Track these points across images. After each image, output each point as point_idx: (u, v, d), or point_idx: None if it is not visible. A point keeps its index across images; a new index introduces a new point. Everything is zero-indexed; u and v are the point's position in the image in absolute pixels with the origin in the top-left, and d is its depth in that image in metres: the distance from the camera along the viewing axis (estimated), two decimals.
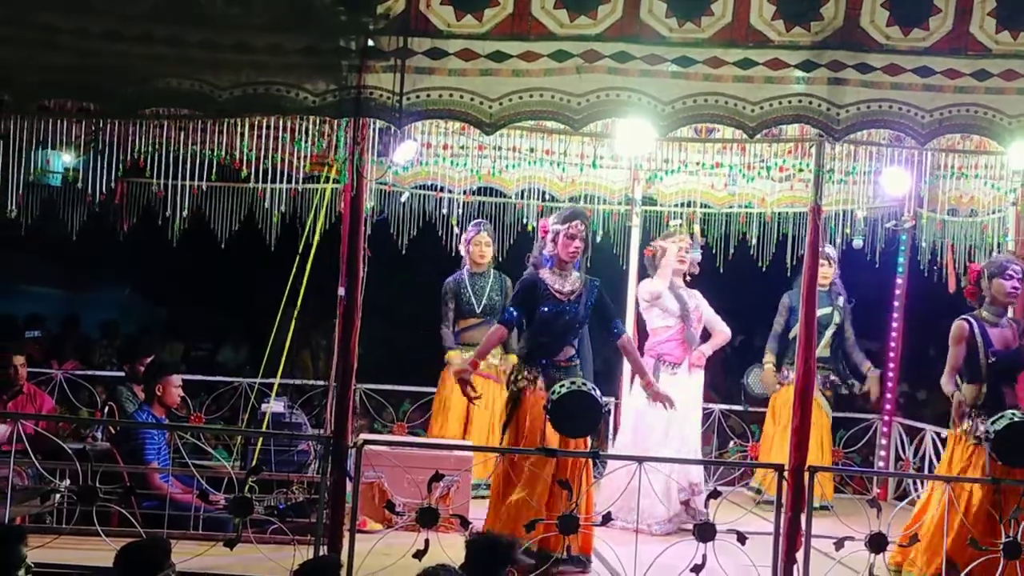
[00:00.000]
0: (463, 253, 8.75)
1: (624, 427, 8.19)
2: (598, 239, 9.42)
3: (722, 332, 8.33)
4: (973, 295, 6.71)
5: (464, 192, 9.06)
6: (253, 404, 8.64)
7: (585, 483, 6.42)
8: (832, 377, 8.93)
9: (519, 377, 6.62)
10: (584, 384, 6.25)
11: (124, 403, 7.92)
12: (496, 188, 9.24)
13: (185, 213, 8.12)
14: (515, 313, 6.64)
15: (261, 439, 7.45)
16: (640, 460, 6.16)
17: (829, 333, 8.75)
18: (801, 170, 8.02)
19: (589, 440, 6.67)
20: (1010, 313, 6.80)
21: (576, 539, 6.23)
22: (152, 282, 15.55)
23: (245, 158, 6.98)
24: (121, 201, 9.07)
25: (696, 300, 8.19)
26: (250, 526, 5.88)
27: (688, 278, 8.22)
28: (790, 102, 5.33)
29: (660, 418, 7.52)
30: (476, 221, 8.87)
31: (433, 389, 9.27)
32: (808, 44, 5.29)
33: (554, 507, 6.23)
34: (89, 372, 10.46)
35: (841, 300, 8.92)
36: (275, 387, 8.10)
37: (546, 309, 6.61)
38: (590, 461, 6.59)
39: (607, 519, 6.10)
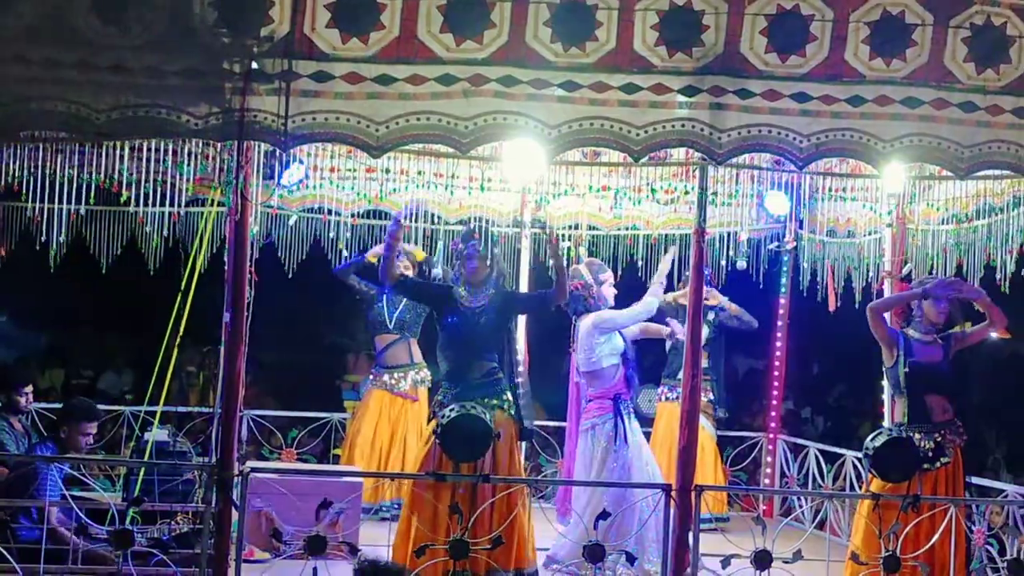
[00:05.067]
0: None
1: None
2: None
3: None
4: (900, 314, 6.89)
5: (352, 215, 8.99)
6: (136, 433, 8.42)
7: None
8: (709, 396, 9.08)
9: (439, 402, 6.51)
10: (473, 407, 6.21)
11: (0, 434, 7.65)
12: (385, 211, 9.18)
13: (63, 238, 7.89)
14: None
15: (144, 469, 7.26)
16: (530, 483, 6.16)
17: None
18: (686, 193, 8.14)
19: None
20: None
21: (509, 556, 6.16)
22: (30, 308, 15.09)
23: (125, 181, 6.82)
24: None
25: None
26: (132, 559, 5.72)
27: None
28: (674, 126, 5.41)
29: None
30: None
31: (323, 415, 9.11)
32: (690, 70, 5.37)
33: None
34: None
35: (711, 315, 9.09)
36: (158, 415, 7.91)
37: (450, 319, 6.52)
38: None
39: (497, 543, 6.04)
